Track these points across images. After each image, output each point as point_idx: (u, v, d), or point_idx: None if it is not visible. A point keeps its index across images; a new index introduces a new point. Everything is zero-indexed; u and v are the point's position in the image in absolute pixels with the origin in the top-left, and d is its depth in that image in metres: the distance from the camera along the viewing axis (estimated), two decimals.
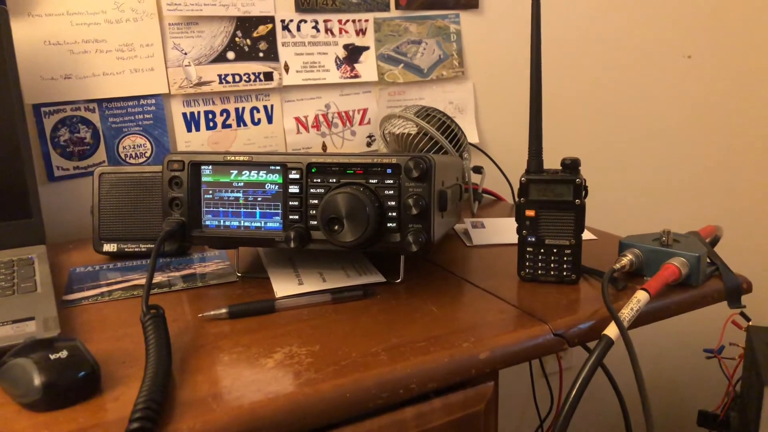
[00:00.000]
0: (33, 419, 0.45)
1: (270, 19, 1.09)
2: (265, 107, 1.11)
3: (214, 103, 1.07)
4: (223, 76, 1.06)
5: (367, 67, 1.18)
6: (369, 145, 1.21)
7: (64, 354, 0.47)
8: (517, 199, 0.70)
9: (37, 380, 0.45)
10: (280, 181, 0.67)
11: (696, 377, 1.63)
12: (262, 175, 0.67)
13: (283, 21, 1.10)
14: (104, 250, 0.82)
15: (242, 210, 0.68)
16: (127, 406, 0.45)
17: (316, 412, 0.48)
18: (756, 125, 1.66)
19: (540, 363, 1.35)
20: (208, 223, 0.69)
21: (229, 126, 1.09)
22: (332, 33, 1.14)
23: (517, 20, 1.30)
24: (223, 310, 0.63)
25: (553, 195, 0.68)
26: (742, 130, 1.65)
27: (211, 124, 1.07)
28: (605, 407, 1.44)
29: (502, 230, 0.92)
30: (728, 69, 1.60)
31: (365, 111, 1.19)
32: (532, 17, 0.68)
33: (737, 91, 1.62)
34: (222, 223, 0.68)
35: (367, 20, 1.17)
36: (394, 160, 0.63)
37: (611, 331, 0.59)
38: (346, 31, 1.15)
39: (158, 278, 0.75)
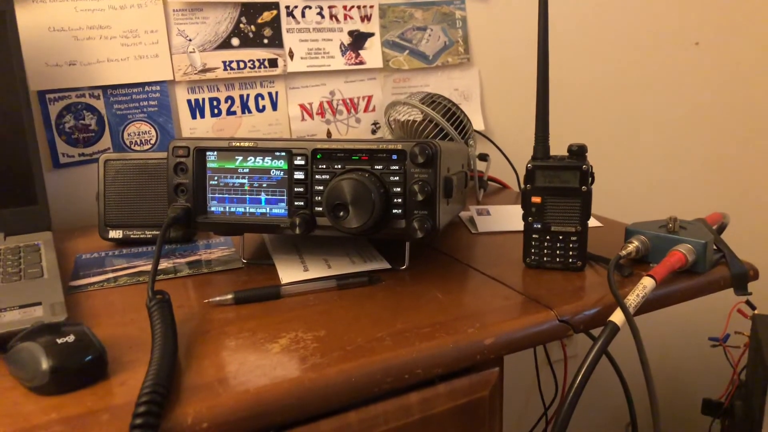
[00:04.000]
0: (40, 402, 0.45)
1: (275, 5, 1.09)
2: (270, 94, 1.11)
3: (218, 89, 1.07)
4: (227, 63, 1.06)
5: (372, 53, 1.17)
6: (374, 132, 1.21)
7: (71, 338, 0.48)
8: (523, 186, 0.70)
9: (45, 364, 0.46)
10: (286, 167, 0.67)
11: (701, 365, 1.63)
12: (268, 161, 0.67)
13: (287, 7, 1.10)
14: (110, 236, 0.83)
15: (247, 196, 0.68)
16: (134, 390, 0.45)
17: (321, 397, 0.48)
18: (764, 112, 1.65)
19: (545, 351, 1.35)
20: (213, 209, 0.69)
21: (234, 113, 1.08)
22: (337, 19, 1.14)
23: (523, 6, 1.29)
24: (229, 296, 0.63)
25: (560, 181, 0.68)
26: (749, 118, 1.64)
27: (216, 111, 1.07)
28: (610, 396, 1.44)
29: (508, 217, 0.92)
30: (736, 56, 1.59)
31: (370, 98, 1.19)
32: (539, 2, 0.68)
33: (745, 78, 1.61)
34: (227, 209, 0.68)
35: (372, 6, 1.16)
36: (399, 146, 0.63)
37: (617, 317, 0.59)
38: (351, 17, 1.15)
39: (164, 264, 0.75)
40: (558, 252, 0.70)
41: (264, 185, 0.67)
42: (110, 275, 0.72)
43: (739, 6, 1.56)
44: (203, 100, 1.06)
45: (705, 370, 1.57)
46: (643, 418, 1.01)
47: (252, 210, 0.68)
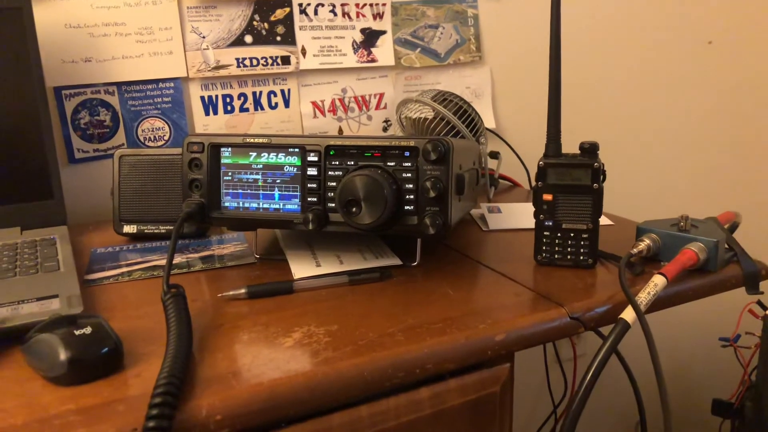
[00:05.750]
0: (58, 393, 0.46)
1: (287, 3, 1.09)
2: (282, 91, 1.11)
3: (231, 86, 1.07)
4: (240, 60, 1.07)
5: (384, 51, 1.18)
6: (385, 129, 1.21)
7: (88, 330, 0.48)
8: (534, 183, 0.70)
9: (63, 355, 0.46)
10: (299, 163, 0.67)
11: (711, 366, 1.62)
12: (281, 158, 0.67)
13: (300, 5, 1.10)
14: (124, 231, 0.84)
15: (261, 192, 0.68)
16: (149, 382, 0.45)
17: (333, 390, 0.49)
18: None
19: (554, 349, 1.35)
20: (227, 204, 0.69)
21: (247, 110, 1.09)
22: (349, 17, 1.14)
23: (535, 4, 1.28)
24: (242, 290, 0.63)
25: (571, 179, 0.68)
26: (762, 117, 1.63)
27: (229, 107, 1.08)
28: (619, 395, 1.44)
29: (519, 215, 0.92)
30: (749, 55, 1.58)
31: (382, 95, 1.19)
32: (551, 1, 0.68)
33: (757, 77, 1.60)
34: (241, 205, 0.69)
35: (384, 4, 1.16)
36: (412, 143, 0.64)
37: (628, 315, 0.59)
38: (363, 15, 1.15)
39: (177, 259, 0.76)
40: (569, 249, 0.70)
41: (277, 181, 0.68)
42: (125, 269, 0.73)
43: (753, 5, 1.55)
44: (216, 96, 1.06)
45: (715, 370, 1.56)
46: (652, 417, 1.01)
47: (265, 206, 0.69)
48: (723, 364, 1.33)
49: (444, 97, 1.00)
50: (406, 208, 0.64)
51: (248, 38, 1.07)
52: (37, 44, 0.83)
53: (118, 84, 1.00)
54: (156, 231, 0.83)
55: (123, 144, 1.01)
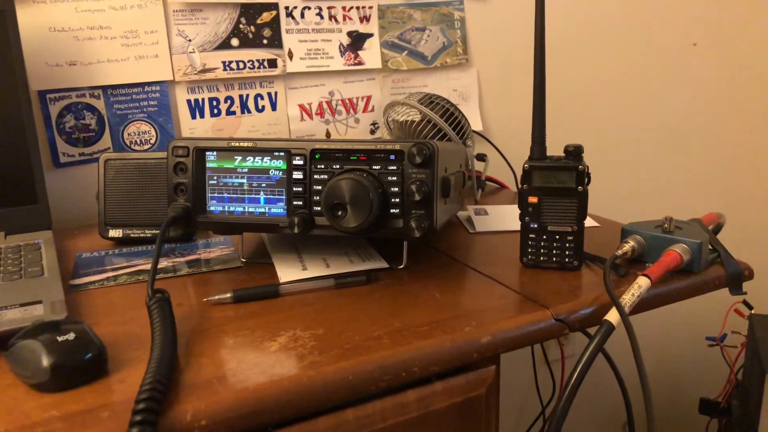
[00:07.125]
0: (41, 400, 0.46)
1: (274, 6, 1.09)
2: (269, 94, 1.11)
3: (218, 90, 1.07)
4: (227, 63, 1.06)
5: (371, 54, 1.18)
6: (373, 132, 1.21)
7: (71, 336, 0.48)
8: (520, 186, 0.71)
9: (46, 361, 0.46)
10: (284, 167, 0.67)
11: (698, 365, 1.63)
12: (267, 161, 0.67)
13: (287, 8, 1.10)
14: (110, 235, 0.83)
15: (246, 196, 0.68)
16: (134, 387, 0.45)
17: (319, 395, 0.49)
18: (760, 114, 1.65)
19: (542, 350, 1.36)
20: (212, 208, 0.69)
21: (233, 113, 1.09)
22: (336, 20, 1.14)
23: (521, 7, 1.29)
24: (228, 295, 0.63)
25: (556, 182, 0.68)
26: (746, 119, 1.64)
27: (216, 111, 1.07)
28: (607, 395, 1.45)
29: (505, 217, 0.93)
30: (734, 57, 1.59)
31: (369, 98, 1.19)
32: (536, 4, 0.68)
33: (742, 79, 1.61)
34: (226, 209, 0.69)
35: (371, 7, 1.17)
36: (397, 147, 0.64)
37: (612, 316, 0.59)
38: (350, 18, 1.15)
39: (163, 263, 0.75)
40: (554, 251, 0.70)
41: (263, 185, 0.68)
42: (110, 274, 0.73)
43: (737, 7, 1.56)
44: (203, 100, 1.06)
45: (702, 369, 1.58)
46: (640, 417, 1.01)
47: (251, 209, 0.68)
48: (710, 363, 1.34)
49: (431, 100, 1.01)
50: (392, 211, 0.64)
51: (234, 41, 1.07)
52: (20, 48, 0.83)
53: (104, 87, 0.99)
54: (142, 235, 0.83)
55: (109, 148, 1.01)
